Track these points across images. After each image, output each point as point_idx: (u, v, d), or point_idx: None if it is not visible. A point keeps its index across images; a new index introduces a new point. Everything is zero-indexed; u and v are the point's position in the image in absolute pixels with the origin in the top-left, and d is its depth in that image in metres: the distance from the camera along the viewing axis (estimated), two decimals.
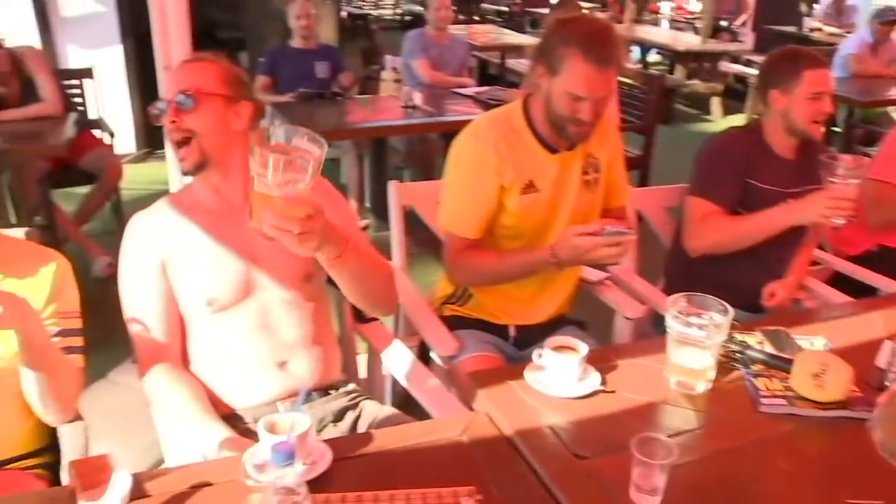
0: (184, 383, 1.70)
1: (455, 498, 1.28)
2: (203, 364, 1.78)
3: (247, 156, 1.34)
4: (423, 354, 2.25)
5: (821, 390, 1.57)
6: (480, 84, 5.67)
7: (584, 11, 5.00)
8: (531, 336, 2.17)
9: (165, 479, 1.33)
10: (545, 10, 10.15)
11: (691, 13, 11.46)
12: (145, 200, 1.85)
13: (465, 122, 2.15)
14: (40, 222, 3.66)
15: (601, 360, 1.71)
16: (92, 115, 4.77)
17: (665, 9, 11.89)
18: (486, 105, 4.40)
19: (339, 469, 1.36)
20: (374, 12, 12.88)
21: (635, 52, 9.62)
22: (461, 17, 10.33)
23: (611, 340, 2.38)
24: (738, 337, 1.79)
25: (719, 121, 7.95)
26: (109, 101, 5.13)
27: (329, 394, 1.87)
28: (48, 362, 1.54)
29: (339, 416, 1.83)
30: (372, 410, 1.84)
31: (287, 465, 1.22)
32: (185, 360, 1.78)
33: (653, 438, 1.30)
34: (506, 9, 12.31)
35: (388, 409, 1.86)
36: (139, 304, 1.72)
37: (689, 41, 8.90)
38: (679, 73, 8.64)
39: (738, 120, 7.20)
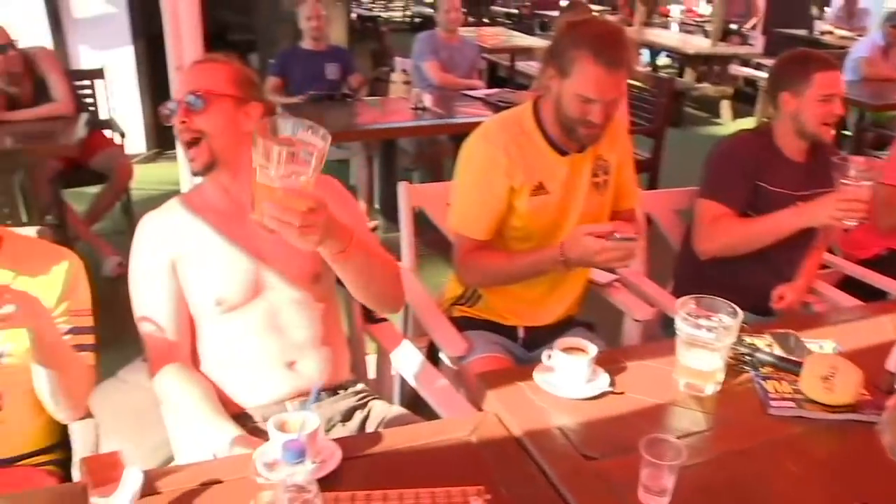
0: (194, 383, 1.70)
1: (464, 497, 1.29)
2: (212, 363, 1.79)
3: None
4: (431, 355, 2.26)
5: (830, 393, 1.57)
6: (490, 86, 5.67)
7: (595, 14, 4.99)
8: (540, 337, 2.17)
9: (176, 477, 1.34)
10: (555, 13, 10.16)
11: (701, 16, 11.43)
12: (155, 200, 1.86)
13: (475, 125, 2.16)
14: (51, 221, 3.68)
15: (610, 361, 1.71)
16: (103, 116, 4.80)
17: (675, 12, 11.87)
18: (496, 107, 4.41)
19: (348, 468, 1.36)
20: (384, 14, 12.94)
21: (645, 55, 9.61)
22: (471, 19, 10.36)
23: (619, 343, 2.38)
24: (748, 339, 1.79)
25: (729, 124, 7.93)
26: (120, 101, 5.17)
27: (338, 393, 1.87)
28: (59, 360, 1.55)
29: (347, 416, 1.83)
30: (380, 410, 1.84)
31: (298, 463, 1.22)
32: (194, 360, 1.78)
33: (661, 440, 1.30)
34: (515, 11, 12.34)
35: (397, 409, 1.86)
36: (149, 304, 1.73)
37: (699, 44, 8.88)
38: (689, 76, 8.62)
39: (748, 123, 7.20)
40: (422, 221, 2.54)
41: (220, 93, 1.68)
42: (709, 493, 1.36)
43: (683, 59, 9.00)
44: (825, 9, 9.96)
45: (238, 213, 1.73)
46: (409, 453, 1.45)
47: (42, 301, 1.51)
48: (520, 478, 1.38)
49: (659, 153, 4.94)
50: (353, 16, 9.15)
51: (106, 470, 1.24)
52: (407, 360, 2.10)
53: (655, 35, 9.60)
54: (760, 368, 1.71)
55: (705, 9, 11.55)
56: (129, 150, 4.77)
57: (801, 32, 8.91)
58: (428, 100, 4.51)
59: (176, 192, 1.87)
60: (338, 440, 1.44)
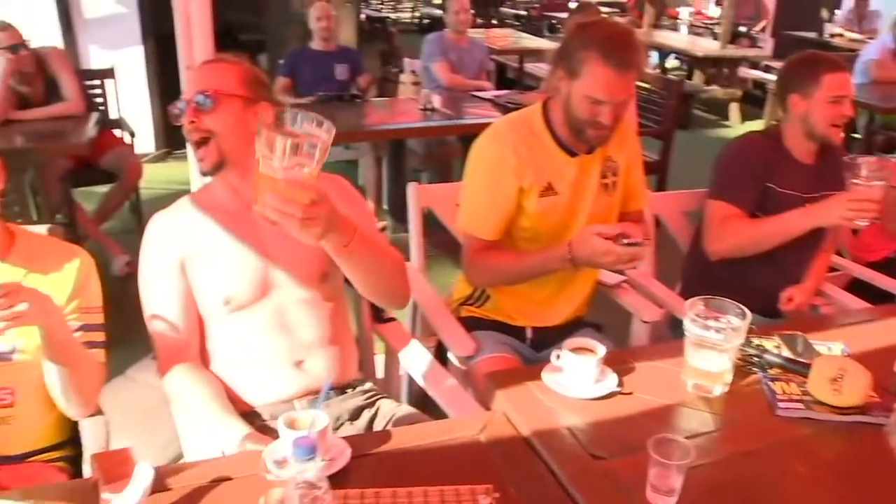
0: (204, 382, 1.71)
1: (473, 496, 1.29)
2: (221, 362, 1.79)
3: None
4: (440, 355, 2.26)
5: (838, 395, 1.57)
6: (498, 87, 5.68)
7: (604, 16, 4.99)
8: (548, 338, 2.17)
9: (186, 474, 1.35)
10: (563, 15, 10.11)
11: (710, 18, 11.38)
12: (164, 200, 1.87)
13: (484, 125, 2.16)
14: (61, 220, 3.70)
15: (618, 362, 1.71)
16: (113, 115, 4.83)
17: (684, 14, 11.82)
18: (505, 108, 4.41)
19: (357, 466, 1.37)
20: (393, 15, 12.95)
21: (654, 57, 9.60)
22: (480, 20, 10.35)
23: (628, 344, 2.39)
24: (756, 341, 1.78)
25: (737, 126, 7.92)
26: (130, 101, 5.19)
27: (346, 392, 1.88)
28: (70, 357, 1.56)
29: (355, 415, 1.84)
30: (388, 409, 1.85)
31: (308, 460, 1.22)
32: (203, 359, 1.79)
33: (670, 440, 1.30)
34: (524, 13, 12.33)
35: (405, 408, 1.87)
36: (159, 303, 1.74)
37: (708, 46, 8.86)
38: (697, 78, 8.60)
39: (757, 126, 7.17)
40: (430, 222, 2.55)
41: (229, 93, 1.68)
42: (716, 493, 1.36)
43: (692, 62, 8.97)
44: (835, 11, 9.92)
45: (247, 213, 1.73)
46: (417, 452, 1.45)
47: (53, 298, 1.52)
48: (528, 477, 1.38)
49: (667, 155, 4.93)
50: (363, 17, 9.17)
51: (117, 466, 1.25)
52: (415, 360, 2.10)
53: (664, 37, 9.58)
54: (769, 370, 1.71)
55: (714, 11, 11.50)
56: (138, 150, 4.79)
57: (811, 35, 8.86)
58: (437, 101, 4.52)
59: (185, 192, 1.87)
60: (347, 438, 1.44)
